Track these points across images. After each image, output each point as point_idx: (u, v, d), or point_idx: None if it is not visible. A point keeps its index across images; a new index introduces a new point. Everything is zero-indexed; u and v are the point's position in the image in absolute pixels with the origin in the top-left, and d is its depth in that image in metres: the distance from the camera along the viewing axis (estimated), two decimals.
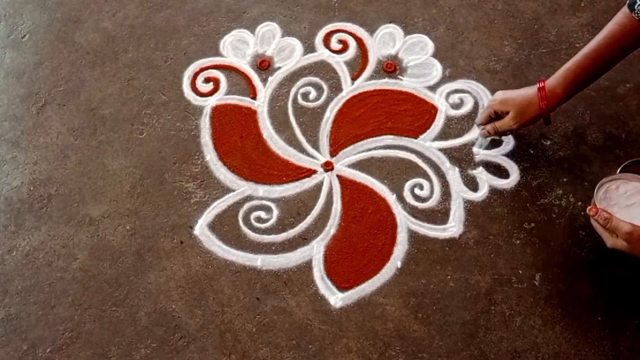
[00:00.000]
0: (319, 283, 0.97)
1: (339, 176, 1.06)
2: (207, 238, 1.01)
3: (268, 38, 1.21)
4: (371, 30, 1.21)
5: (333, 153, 1.08)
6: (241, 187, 1.06)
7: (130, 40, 1.23)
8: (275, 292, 0.96)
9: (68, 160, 1.11)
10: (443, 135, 1.08)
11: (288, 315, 0.94)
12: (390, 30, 1.20)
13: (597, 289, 0.93)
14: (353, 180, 1.05)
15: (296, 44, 1.20)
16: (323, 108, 1.13)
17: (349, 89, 1.14)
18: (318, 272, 0.97)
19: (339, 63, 1.17)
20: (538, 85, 0.92)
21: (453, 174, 1.04)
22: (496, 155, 1.05)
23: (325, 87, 1.15)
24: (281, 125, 1.11)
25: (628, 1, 0.83)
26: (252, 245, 1.00)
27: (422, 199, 1.03)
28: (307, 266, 0.98)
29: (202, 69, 1.18)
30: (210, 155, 1.09)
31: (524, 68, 1.13)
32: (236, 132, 1.11)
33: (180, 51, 1.21)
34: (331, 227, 1.01)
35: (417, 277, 0.96)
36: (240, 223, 1.02)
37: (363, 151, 1.08)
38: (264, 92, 1.15)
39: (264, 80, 1.16)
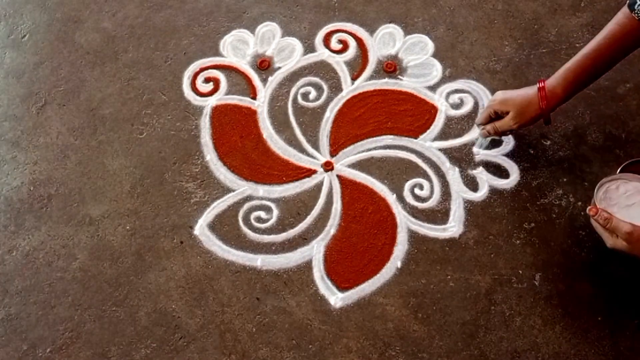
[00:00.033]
0: (319, 283, 0.97)
1: (339, 176, 1.06)
2: (207, 238, 1.01)
3: (268, 38, 1.21)
4: (371, 30, 1.21)
5: (333, 153, 1.08)
6: (241, 187, 1.06)
7: (130, 40, 1.23)
8: (275, 292, 0.96)
9: (68, 160, 1.11)
10: (443, 135, 1.08)
11: (288, 315, 0.94)
12: (390, 30, 1.20)
13: (597, 289, 0.93)
14: (353, 180, 1.05)
15: (296, 44, 1.20)
16: (323, 108, 1.13)
17: (349, 89, 1.14)
18: (318, 272, 0.97)
19: (339, 63, 1.17)
20: (538, 85, 0.92)
21: (453, 174, 1.04)
22: (496, 155, 1.05)
23: (325, 87, 1.15)
24: (281, 125, 1.11)
25: (628, 1, 0.83)
26: (252, 245, 1.00)
27: (422, 199, 1.03)
28: (307, 266, 0.98)
29: (202, 69, 1.18)
30: (210, 155, 1.09)
31: (524, 68, 1.13)
32: (236, 132, 1.11)
33: (180, 51, 1.21)
34: (331, 227, 1.01)
35: (417, 277, 0.96)
36: (240, 223, 1.02)
37: (363, 151, 1.08)
38: (264, 92, 1.15)
39: (264, 80, 1.16)
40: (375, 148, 1.08)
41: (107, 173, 1.09)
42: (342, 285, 0.96)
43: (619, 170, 0.89)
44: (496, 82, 1.12)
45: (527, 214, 1.00)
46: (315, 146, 1.09)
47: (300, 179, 1.06)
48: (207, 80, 1.17)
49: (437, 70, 1.15)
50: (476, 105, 1.11)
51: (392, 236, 0.99)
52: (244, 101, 1.14)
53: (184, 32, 1.23)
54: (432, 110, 1.11)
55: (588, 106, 1.08)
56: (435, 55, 1.17)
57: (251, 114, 1.13)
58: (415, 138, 1.08)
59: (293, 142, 1.10)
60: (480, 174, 1.04)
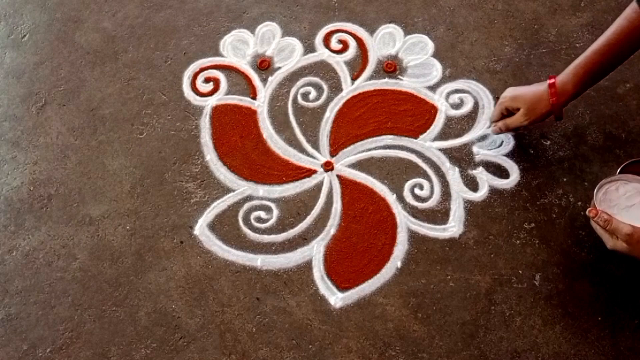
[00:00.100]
0: (319, 283, 0.97)
1: (339, 176, 1.06)
2: (207, 238, 1.01)
3: (268, 38, 1.21)
4: (371, 30, 1.21)
5: (333, 153, 1.08)
6: (241, 187, 1.06)
7: (130, 40, 1.23)
8: (275, 292, 0.96)
9: (68, 160, 1.11)
10: (443, 135, 1.08)
11: (288, 315, 0.94)
12: (390, 30, 1.20)
13: (597, 289, 0.93)
14: (353, 180, 1.05)
15: (296, 44, 1.20)
16: (323, 108, 1.13)
17: (349, 89, 1.14)
18: (318, 272, 0.97)
19: (339, 63, 1.17)
20: (548, 81, 0.92)
21: (453, 174, 1.04)
22: (496, 155, 1.05)
23: (325, 87, 1.15)
24: (281, 125, 1.11)
25: None
26: (252, 245, 1.00)
27: (422, 199, 1.03)
28: (307, 266, 0.98)
29: (202, 69, 1.18)
30: (210, 155, 1.09)
31: (524, 68, 1.13)
32: (236, 132, 1.11)
33: (180, 51, 1.21)
34: (331, 227, 1.01)
35: (417, 277, 0.96)
36: (240, 223, 1.02)
37: (363, 151, 1.08)
38: (264, 92, 1.15)
39: (264, 80, 1.16)
40: (375, 148, 1.08)
41: (107, 173, 1.09)
42: (342, 285, 0.96)
43: (618, 171, 0.89)
44: (496, 82, 1.12)
45: (527, 214, 1.00)
46: (315, 146, 1.09)
47: (300, 179, 1.06)
48: (207, 80, 1.17)
49: (437, 70, 1.15)
50: (476, 105, 1.11)
51: (392, 236, 0.99)
52: (244, 101, 1.14)
53: (184, 32, 1.23)
54: (432, 110, 1.11)
55: (588, 106, 1.08)
56: (435, 55, 1.17)
57: (251, 114, 1.13)
58: (415, 138, 1.08)
59: (293, 142, 1.10)
60: (480, 174, 1.04)
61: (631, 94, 1.09)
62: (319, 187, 1.05)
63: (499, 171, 1.04)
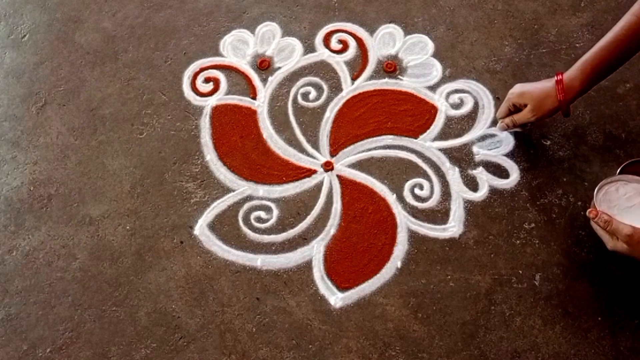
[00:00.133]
0: (319, 283, 0.97)
1: (339, 176, 1.06)
2: (207, 238, 1.01)
3: (268, 38, 1.21)
4: (371, 30, 1.21)
5: (333, 153, 1.08)
6: (241, 187, 1.06)
7: (130, 40, 1.23)
8: (275, 292, 0.96)
9: (68, 160, 1.11)
10: (443, 135, 1.08)
11: (288, 315, 0.94)
12: (390, 30, 1.20)
13: (597, 289, 0.93)
14: (353, 180, 1.05)
15: (296, 44, 1.20)
16: (323, 108, 1.13)
17: (349, 89, 1.14)
18: (318, 272, 0.97)
19: (339, 63, 1.17)
20: (556, 77, 0.92)
21: (453, 174, 1.04)
22: (496, 155, 1.05)
23: (325, 87, 1.15)
24: (281, 125, 1.11)
25: None
26: (252, 245, 1.00)
27: (422, 199, 1.03)
28: (307, 266, 0.98)
29: (202, 69, 1.18)
30: (210, 155, 1.09)
31: (524, 68, 1.13)
32: (236, 132, 1.11)
33: (180, 51, 1.21)
34: (331, 227, 1.01)
35: (417, 277, 0.96)
36: (240, 223, 1.02)
37: (363, 151, 1.08)
38: (264, 92, 1.15)
39: (264, 80, 1.16)
40: (375, 148, 1.08)
41: (107, 173, 1.09)
42: (342, 285, 0.96)
43: (618, 170, 0.89)
44: (496, 82, 1.12)
45: (527, 214, 1.00)
46: (315, 146, 1.09)
47: (300, 179, 1.06)
48: (207, 80, 1.17)
49: (437, 70, 1.15)
50: (476, 105, 1.11)
51: (392, 236, 0.99)
52: (244, 101, 1.14)
53: (184, 32, 1.23)
54: (432, 110, 1.11)
55: (588, 106, 1.08)
56: (435, 55, 1.17)
57: (251, 114, 1.13)
58: (415, 138, 1.08)
59: (293, 142, 1.10)
60: (480, 174, 1.04)
61: (631, 94, 1.09)
62: (319, 187, 1.05)
63: (499, 171, 1.04)
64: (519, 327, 0.91)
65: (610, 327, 0.90)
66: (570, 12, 1.20)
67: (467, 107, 1.11)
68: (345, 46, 1.19)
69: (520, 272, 0.95)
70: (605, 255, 0.92)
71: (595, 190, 0.86)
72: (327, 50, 1.19)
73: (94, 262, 1.01)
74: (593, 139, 1.06)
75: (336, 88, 1.14)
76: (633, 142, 1.05)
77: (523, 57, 1.15)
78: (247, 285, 0.97)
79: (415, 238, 0.99)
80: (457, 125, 1.09)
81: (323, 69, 1.17)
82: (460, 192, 1.03)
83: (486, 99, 1.11)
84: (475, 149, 1.06)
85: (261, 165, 1.07)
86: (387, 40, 1.19)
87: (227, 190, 1.05)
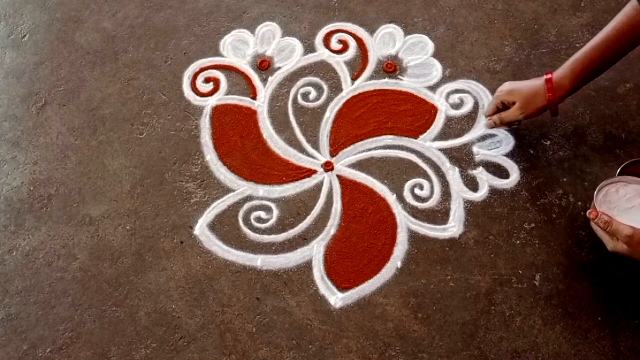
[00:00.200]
0: (319, 283, 0.97)
1: (339, 176, 1.06)
2: (207, 238, 1.01)
3: (268, 38, 1.21)
4: (371, 30, 1.21)
5: (333, 153, 1.08)
6: (241, 187, 1.06)
7: (130, 40, 1.23)
8: (275, 292, 0.96)
9: (68, 160, 1.11)
10: (443, 135, 1.08)
11: (288, 315, 0.94)
12: (390, 30, 1.20)
13: (597, 289, 0.93)
14: (353, 180, 1.05)
15: (296, 44, 1.20)
16: (323, 108, 1.13)
17: (349, 89, 1.14)
18: (318, 272, 0.97)
19: (339, 63, 1.17)
20: (545, 76, 0.92)
21: (453, 174, 1.04)
22: (496, 155, 1.05)
23: (325, 87, 1.15)
24: (281, 125, 1.11)
25: None
26: (252, 245, 1.00)
27: (422, 199, 1.03)
28: (307, 266, 0.98)
29: (202, 69, 1.18)
30: (210, 155, 1.09)
31: (524, 68, 1.13)
32: (236, 132, 1.11)
33: (180, 51, 1.21)
34: (331, 227, 1.01)
35: (417, 277, 0.96)
36: (240, 223, 1.02)
37: (363, 151, 1.08)
38: (264, 92, 1.15)
39: (264, 80, 1.16)
40: (375, 148, 1.08)
41: (107, 173, 1.09)
42: (342, 285, 0.96)
43: (618, 171, 0.89)
44: (496, 82, 1.12)
45: (527, 214, 1.00)
46: (315, 146, 1.09)
47: (300, 179, 1.06)
48: (207, 80, 1.17)
49: (437, 70, 1.15)
50: (476, 105, 1.11)
51: (392, 236, 0.99)
52: (244, 101, 1.14)
53: (184, 32, 1.23)
54: (432, 110, 1.11)
55: (588, 106, 1.08)
56: (435, 55, 1.17)
57: (251, 114, 1.13)
58: (415, 138, 1.08)
59: (293, 142, 1.10)
60: (480, 174, 1.04)
61: (631, 94, 1.09)
62: (319, 187, 1.05)
63: (499, 171, 1.04)
64: (519, 327, 0.91)
65: (610, 327, 0.90)
66: (570, 12, 1.20)
67: (467, 107, 1.11)
68: (345, 46, 1.19)
69: (520, 272, 0.95)
70: (605, 255, 0.92)
71: (596, 191, 0.86)
72: (327, 50, 1.19)
73: (94, 262, 1.01)
74: (593, 139, 1.06)
75: (336, 88, 1.14)
76: (633, 142, 1.05)
77: (523, 57, 1.15)
78: (247, 285, 0.97)
79: (415, 238, 0.99)
80: (457, 125, 1.09)
81: (323, 69, 1.17)
82: (460, 192, 1.03)
83: (486, 99, 1.11)
84: (475, 149, 1.06)
85: (261, 165, 1.07)
86: (387, 40, 1.19)
87: (227, 190, 1.05)
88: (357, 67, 1.17)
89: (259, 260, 0.99)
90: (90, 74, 1.20)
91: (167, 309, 0.96)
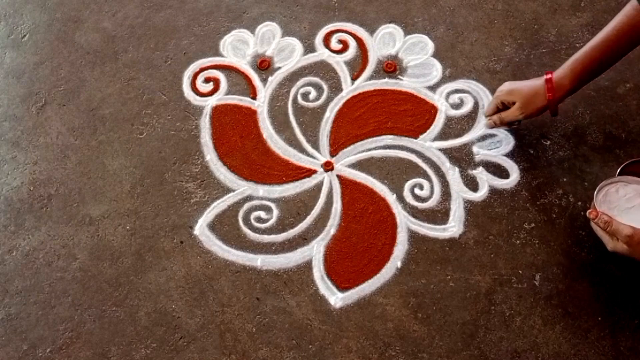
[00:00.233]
0: (319, 283, 0.97)
1: (339, 176, 1.06)
2: (207, 238, 1.01)
3: (268, 38, 1.21)
4: (371, 30, 1.21)
5: (333, 153, 1.08)
6: (241, 187, 1.06)
7: (130, 40, 1.23)
8: (275, 292, 0.96)
9: (68, 160, 1.11)
10: (443, 135, 1.08)
11: (288, 315, 0.94)
12: (390, 30, 1.20)
13: (597, 289, 0.93)
14: (353, 180, 1.05)
15: (296, 44, 1.20)
16: (323, 108, 1.13)
17: (349, 89, 1.14)
18: (318, 272, 0.97)
19: (339, 63, 1.17)
20: (545, 76, 0.92)
21: (453, 174, 1.04)
22: (496, 155, 1.05)
23: (325, 87, 1.15)
24: (281, 125, 1.11)
25: None
26: (252, 245, 1.00)
27: (422, 199, 1.03)
28: (307, 266, 0.98)
29: (202, 69, 1.18)
30: (210, 155, 1.09)
31: (524, 68, 1.13)
32: (236, 132, 1.11)
33: (180, 51, 1.21)
34: (331, 227, 1.01)
35: (417, 277, 0.96)
36: (240, 223, 1.02)
37: (363, 151, 1.08)
38: (264, 92, 1.15)
39: (264, 80, 1.16)
40: (375, 148, 1.08)
41: (107, 173, 1.09)
42: (342, 285, 0.96)
43: (618, 171, 0.89)
44: (496, 82, 1.12)
45: (527, 214, 1.00)
46: (315, 146, 1.09)
47: (300, 179, 1.06)
48: (207, 80, 1.17)
49: (437, 70, 1.15)
50: (476, 105, 1.11)
51: (392, 236, 0.99)
52: (244, 101, 1.14)
53: (184, 32, 1.23)
54: (432, 110, 1.11)
55: (588, 106, 1.08)
56: (435, 55, 1.17)
57: (251, 114, 1.13)
58: (415, 138, 1.08)
59: (293, 142, 1.10)
60: (480, 174, 1.04)
61: (631, 94, 1.09)
62: (319, 187, 1.05)
63: (499, 171, 1.04)
64: (519, 327, 0.91)
65: (610, 327, 0.90)
66: (570, 12, 1.20)
67: (467, 107, 1.11)
68: (345, 46, 1.19)
69: (520, 272, 0.95)
70: (605, 255, 0.92)
71: (596, 191, 0.86)
72: (327, 50, 1.19)
73: (94, 262, 1.01)
74: (593, 139, 1.06)
75: (336, 88, 1.14)
76: (633, 142, 1.05)
77: (523, 57, 1.15)
78: (247, 285, 0.97)
79: (415, 238, 0.99)
80: (457, 125, 1.09)
81: (323, 69, 1.17)
82: (460, 192, 1.03)
83: (486, 99, 1.11)
84: (475, 149, 1.06)
85: (261, 165, 1.07)
86: (387, 40, 1.19)
87: (227, 190, 1.05)
88: (357, 67, 1.17)
89: (259, 260, 0.99)
90: (90, 74, 1.20)
91: (167, 309, 0.96)
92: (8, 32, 1.27)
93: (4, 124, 1.15)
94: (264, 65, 1.18)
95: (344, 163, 1.07)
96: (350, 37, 1.20)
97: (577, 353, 0.89)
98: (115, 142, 1.12)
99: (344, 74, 1.16)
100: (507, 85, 0.98)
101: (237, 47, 1.21)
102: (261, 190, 1.05)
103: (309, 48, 1.19)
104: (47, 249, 1.02)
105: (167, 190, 1.06)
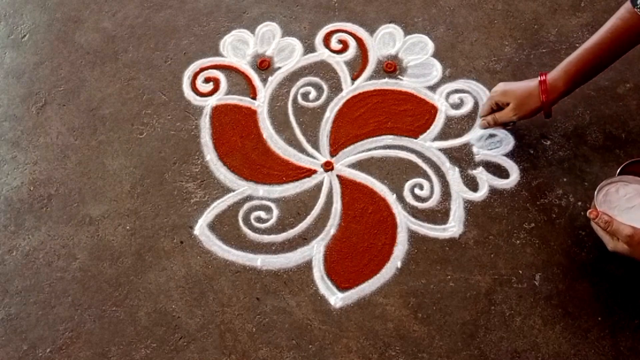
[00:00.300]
0: (319, 283, 0.97)
1: (339, 176, 1.06)
2: (207, 238, 1.01)
3: (268, 38, 1.21)
4: (371, 30, 1.21)
5: (333, 153, 1.08)
6: (241, 187, 1.06)
7: (130, 40, 1.23)
8: (275, 292, 0.96)
9: (68, 160, 1.11)
10: (443, 135, 1.08)
11: (288, 315, 0.94)
12: (390, 30, 1.20)
13: (597, 289, 0.93)
14: (353, 180, 1.05)
15: (296, 44, 1.20)
16: (323, 108, 1.13)
17: (349, 89, 1.14)
18: (318, 272, 0.97)
19: (339, 63, 1.17)
20: (539, 78, 0.92)
21: (453, 174, 1.04)
22: (496, 155, 1.05)
23: (325, 87, 1.15)
24: (281, 125, 1.11)
25: None
26: (252, 245, 1.00)
27: (422, 199, 1.03)
28: (307, 266, 0.98)
29: (202, 69, 1.18)
30: (210, 155, 1.09)
31: (524, 68, 1.13)
32: (236, 132, 1.11)
33: (180, 51, 1.21)
34: (331, 227, 1.01)
35: (417, 277, 0.96)
36: (240, 223, 1.02)
37: (363, 151, 1.08)
38: (264, 92, 1.15)
39: (264, 80, 1.16)
40: (375, 148, 1.08)
41: (107, 173, 1.09)
42: (342, 285, 0.96)
43: (618, 171, 0.89)
44: (496, 82, 1.11)
45: (527, 214, 1.00)
46: (315, 146, 1.09)
47: (300, 179, 1.06)
48: (207, 80, 1.17)
49: (437, 70, 1.15)
50: (476, 105, 1.11)
51: (392, 236, 0.99)
52: (244, 101, 1.14)
53: (184, 32, 1.23)
54: (432, 110, 1.11)
55: (588, 106, 1.08)
56: (435, 55, 1.17)
57: (251, 114, 1.13)
58: (415, 138, 1.08)
59: (293, 142, 1.10)
60: (480, 174, 1.04)
61: (631, 94, 1.09)
62: (319, 187, 1.05)
63: (499, 171, 1.04)
64: (519, 327, 0.91)
65: (610, 327, 0.90)
66: (570, 12, 1.20)
67: (467, 107, 1.11)
68: (345, 46, 1.19)
69: (520, 272, 0.95)
70: (605, 255, 0.92)
71: (596, 191, 0.86)
72: (327, 50, 1.19)
73: (94, 262, 1.01)
74: (593, 139, 1.06)
75: (336, 88, 1.14)
76: (633, 142, 1.05)
77: (523, 57, 1.15)
78: (247, 285, 0.97)
79: (415, 238, 0.99)
80: (457, 125, 1.09)
81: (323, 69, 1.17)
82: (460, 192, 1.03)
83: (486, 98, 1.10)
84: (475, 149, 1.06)
85: (261, 165, 1.07)
86: (387, 40, 1.19)
87: (227, 190, 1.05)
88: (357, 67, 1.17)
89: (259, 260, 0.99)
90: (90, 74, 1.20)
91: (167, 309, 0.96)
92: (8, 32, 1.27)
93: (4, 124, 1.15)
94: (264, 65, 1.18)
95: (344, 163, 1.07)
96: (350, 37, 1.20)
97: (577, 353, 0.89)
98: (115, 142, 1.12)
99: (344, 74, 1.16)
100: (501, 86, 0.98)
101: (237, 47, 1.21)
102: (261, 190, 1.05)
103: (309, 48, 1.19)
104: (47, 249, 1.02)
105: (167, 190, 1.06)
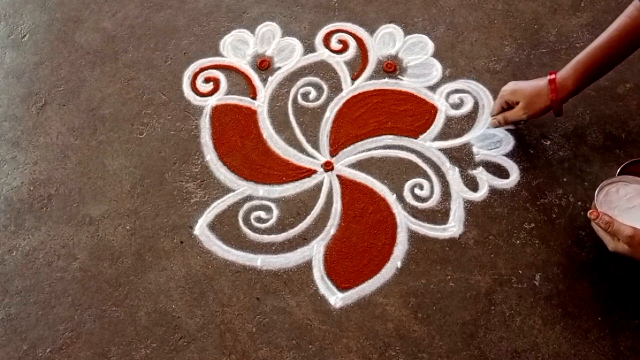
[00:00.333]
0: (319, 283, 0.97)
1: (339, 176, 1.06)
2: (207, 238, 1.01)
3: (268, 38, 1.21)
4: (371, 30, 1.21)
5: (333, 153, 1.08)
6: (241, 187, 1.06)
7: (130, 40, 1.23)
8: (275, 292, 0.96)
9: (68, 160, 1.11)
10: (443, 135, 1.08)
11: (288, 315, 0.94)
12: (390, 30, 1.20)
13: (597, 289, 0.93)
14: (353, 180, 1.05)
15: (296, 44, 1.20)
16: (323, 108, 1.13)
17: (349, 89, 1.14)
18: (318, 272, 0.97)
19: (339, 63, 1.17)
20: (549, 77, 0.92)
21: (453, 174, 1.04)
22: (496, 155, 1.05)
23: (325, 87, 1.15)
24: (281, 125, 1.11)
25: None
26: (252, 245, 1.00)
27: (422, 199, 1.03)
28: (307, 266, 0.98)
29: (202, 69, 1.18)
30: (210, 155, 1.09)
31: (524, 68, 1.13)
32: (236, 132, 1.11)
33: (180, 51, 1.21)
34: (331, 227, 1.01)
35: (417, 277, 0.96)
36: (240, 223, 1.02)
37: (363, 151, 1.08)
38: (264, 92, 1.15)
39: (264, 80, 1.16)
40: (375, 148, 1.08)
41: (107, 173, 1.09)
42: (342, 285, 0.96)
43: (618, 171, 0.89)
44: (496, 82, 1.12)
45: (527, 214, 1.00)
46: (315, 146, 1.09)
47: (300, 179, 1.06)
48: (207, 80, 1.17)
49: (437, 70, 1.15)
50: (476, 105, 1.11)
51: (392, 236, 0.99)
52: (244, 101, 1.14)
53: (184, 32, 1.23)
54: (432, 110, 1.11)
55: (588, 106, 1.08)
56: (435, 55, 1.17)
57: (251, 114, 1.13)
58: (415, 138, 1.08)
59: (293, 142, 1.10)
60: (480, 174, 1.04)
61: (631, 94, 1.09)
62: (319, 187, 1.05)
63: (499, 171, 1.04)
64: (519, 327, 0.91)
65: (610, 327, 0.90)
66: (570, 12, 1.20)
67: (467, 107, 1.11)
68: (345, 46, 1.19)
69: (520, 272, 0.95)
70: (605, 255, 0.92)
71: (596, 191, 0.86)
72: (327, 50, 1.19)
73: (94, 262, 1.01)
74: (593, 139, 1.06)
75: (336, 88, 1.14)
76: (633, 142, 1.05)
77: (523, 57, 1.15)
78: (247, 285, 0.97)
79: (415, 238, 0.99)
80: (457, 125, 1.09)
81: (323, 69, 1.17)
82: (460, 192, 1.03)
83: (486, 99, 1.11)
84: (475, 149, 1.06)
85: (261, 165, 1.07)
86: (387, 40, 1.19)
87: (227, 190, 1.05)
88: (357, 67, 1.17)
89: (259, 260, 0.99)
90: (90, 74, 1.20)
91: (167, 309, 0.96)
92: (8, 32, 1.27)
93: (4, 124, 1.15)
94: (264, 65, 1.18)
95: (344, 163, 1.07)
96: (350, 37, 1.20)
97: (577, 353, 0.89)
98: (115, 142, 1.12)
99: (344, 74, 1.16)
100: (511, 85, 0.98)
101: (237, 47, 1.21)
102: (261, 190, 1.05)
103: (309, 48, 1.19)
104: (47, 249, 1.02)
105: (167, 190, 1.06)
